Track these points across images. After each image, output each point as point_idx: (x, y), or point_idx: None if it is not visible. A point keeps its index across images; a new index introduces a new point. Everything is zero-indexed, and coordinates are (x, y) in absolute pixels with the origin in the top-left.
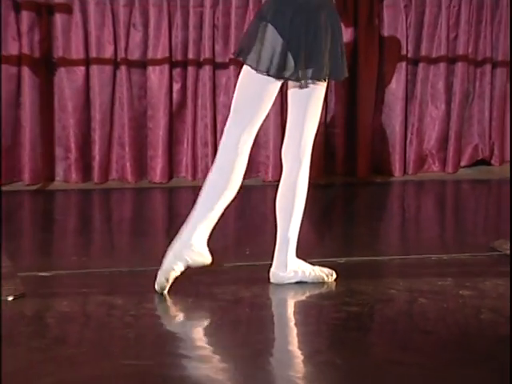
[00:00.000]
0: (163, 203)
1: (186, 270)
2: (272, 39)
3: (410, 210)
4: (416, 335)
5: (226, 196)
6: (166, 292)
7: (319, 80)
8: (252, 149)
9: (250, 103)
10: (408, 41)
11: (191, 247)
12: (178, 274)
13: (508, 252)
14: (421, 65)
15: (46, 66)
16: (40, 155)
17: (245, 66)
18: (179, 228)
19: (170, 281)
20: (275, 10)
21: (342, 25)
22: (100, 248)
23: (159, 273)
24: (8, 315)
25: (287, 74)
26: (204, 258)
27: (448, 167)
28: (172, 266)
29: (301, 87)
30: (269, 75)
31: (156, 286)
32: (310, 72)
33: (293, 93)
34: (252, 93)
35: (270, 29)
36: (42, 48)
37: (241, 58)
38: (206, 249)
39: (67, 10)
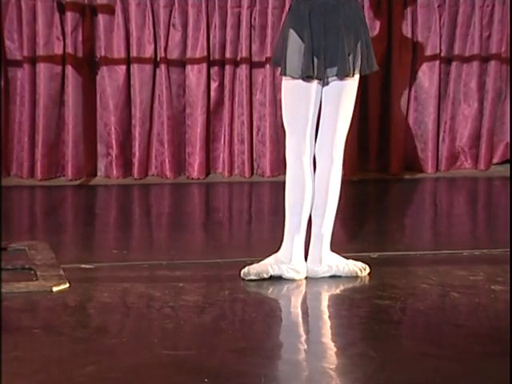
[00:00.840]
0: (200, 198)
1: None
2: (294, 42)
3: (442, 206)
4: (448, 329)
5: (305, 205)
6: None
7: (344, 75)
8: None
9: (293, 111)
10: (441, 40)
11: (290, 262)
12: (267, 276)
13: None
14: (454, 63)
15: (88, 65)
16: (82, 151)
17: (283, 79)
18: (216, 222)
19: (256, 278)
20: (294, 13)
21: (377, 23)
22: (140, 241)
23: (255, 266)
24: (52, 306)
25: (311, 73)
26: (297, 273)
27: (480, 164)
28: (267, 269)
29: (324, 85)
30: (295, 78)
31: (243, 272)
32: (334, 70)
33: (324, 91)
34: (291, 100)
35: (291, 32)
36: (85, 48)
37: (278, 67)
38: (302, 264)
39: (109, 10)
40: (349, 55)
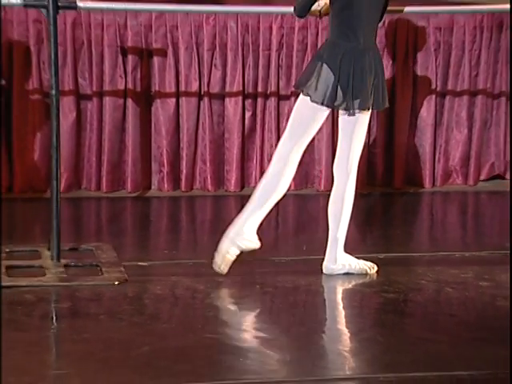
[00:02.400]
0: (236, 208)
1: (240, 253)
2: (326, 76)
3: (438, 215)
4: (443, 318)
5: (274, 197)
6: (222, 270)
7: (364, 109)
8: (308, 164)
9: (303, 125)
10: (437, 77)
11: (243, 235)
12: (233, 257)
13: None
14: (447, 97)
15: (145, 98)
16: (140, 169)
17: (301, 95)
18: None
19: (225, 262)
20: (330, 52)
21: (384, 63)
22: (186, 243)
23: (216, 255)
24: (114, 296)
25: (337, 103)
26: (253, 243)
27: (469, 181)
28: (227, 250)
29: (349, 115)
30: (322, 105)
31: (214, 266)
32: (356, 103)
33: (342, 120)
34: (306, 117)
35: (325, 67)
36: (142, 84)
37: (300, 89)
38: (256, 236)
39: (163, 53)
40: (370, 93)
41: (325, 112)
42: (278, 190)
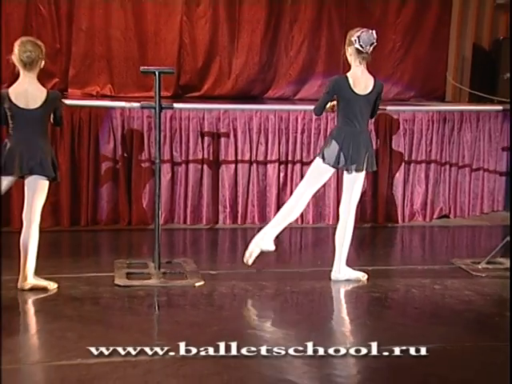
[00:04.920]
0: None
1: (260, 253)
2: (334, 147)
3: (406, 241)
4: (409, 309)
5: (289, 219)
6: (248, 262)
7: (359, 170)
8: (322, 206)
9: (316, 177)
10: (405, 151)
11: (265, 240)
12: (257, 253)
13: (461, 266)
14: (412, 164)
15: (215, 164)
16: (211, 210)
17: (317, 158)
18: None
19: (251, 257)
20: (337, 132)
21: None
22: (241, 259)
23: (247, 251)
24: (195, 293)
25: (340, 165)
26: (271, 247)
27: (427, 218)
28: (254, 249)
29: (348, 174)
30: (329, 165)
31: (244, 259)
32: (353, 166)
33: (345, 177)
34: (318, 173)
35: (333, 142)
36: (213, 155)
37: (318, 156)
38: (273, 242)
39: (226, 135)
40: (363, 160)
41: (330, 171)
42: (293, 215)
